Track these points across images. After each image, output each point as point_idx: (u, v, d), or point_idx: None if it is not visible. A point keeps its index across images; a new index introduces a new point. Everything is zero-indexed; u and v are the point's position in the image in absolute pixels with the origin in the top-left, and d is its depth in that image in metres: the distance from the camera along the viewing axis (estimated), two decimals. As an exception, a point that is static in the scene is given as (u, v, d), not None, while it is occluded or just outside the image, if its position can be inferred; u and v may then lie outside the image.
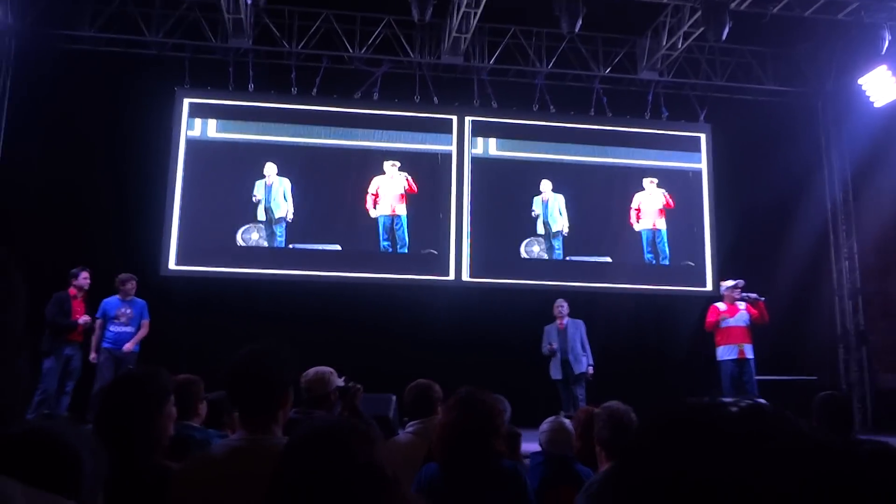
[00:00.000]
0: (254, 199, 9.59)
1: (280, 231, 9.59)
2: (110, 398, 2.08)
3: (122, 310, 7.74)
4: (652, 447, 0.64)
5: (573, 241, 10.12)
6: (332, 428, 1.30)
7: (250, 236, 9.54)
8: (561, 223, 10.15)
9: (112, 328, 7.68)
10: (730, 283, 8.27)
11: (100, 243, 8.53)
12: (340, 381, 3.61)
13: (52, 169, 8.80)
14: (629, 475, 0.64)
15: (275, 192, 9.66)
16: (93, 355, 7.56)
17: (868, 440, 1.73)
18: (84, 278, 7.61)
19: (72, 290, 7.55)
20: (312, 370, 3.54)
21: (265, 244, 9.51)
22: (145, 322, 7.82)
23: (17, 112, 9.09)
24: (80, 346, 7.55)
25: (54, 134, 8.90)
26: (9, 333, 1.04)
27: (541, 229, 10.11)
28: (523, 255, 9.99)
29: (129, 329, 7.67)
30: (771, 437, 0.60)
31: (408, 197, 9.83)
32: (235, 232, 9.47)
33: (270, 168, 9.68)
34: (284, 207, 9.65)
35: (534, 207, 10.14)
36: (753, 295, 8.15)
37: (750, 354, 8.06)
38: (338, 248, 9.57)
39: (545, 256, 10.04)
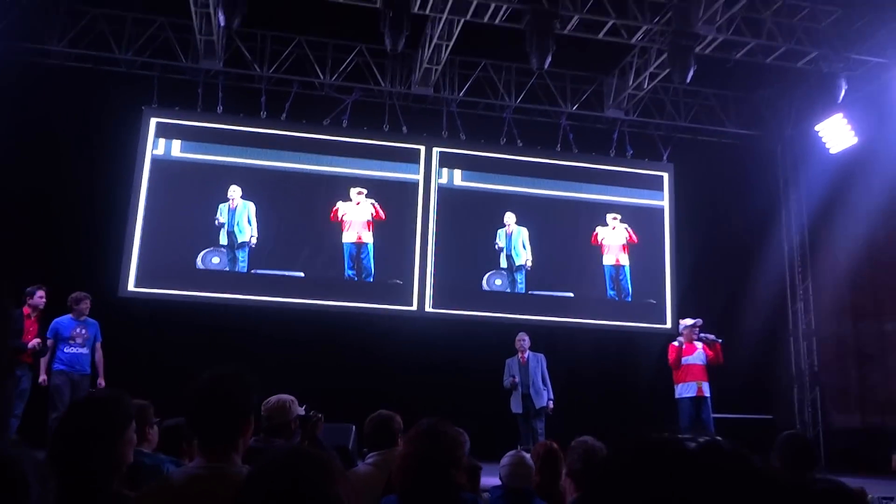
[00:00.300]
0: (217, 222, 9.47)
1: (242, 256, 9.48)
2: (71, 422, 2.02)
3: (77, 330, 7.38)
4: (621, 474, 0.66)
5: (536, 275, 10.18)
6: (296, 459, 1.28)
7: (211, 260, 9.40)
8: (524, 256, 10.21)
9: (66, 349, 7.27)
10: (688, 321, 8.33)
11: (58, 260, 8.34)
12: (301, 410, 3.58)
13: (13, 182, 8.62)
14: (600, 500, 0.66)
15: (238, 216, 9.56)
16: (42, 377, 7.14)
17: (822, 478, 1.76)
18: (40, 297, 7.21)
19: (25, 309, 7.14)
20: (274, 398, 3.50)
21: (226, 269, 9.39)
22: (99, 346, 7.44)
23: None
24: (30, 367, 7.16)
25: (18, 146, 8.73)
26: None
27: (504, 263, 10.16)
28: (485, 287, 10.02)
29: (83, 350, 7.30)
30: (728, 471, 0.61)
31: (375, 224, 9.82)
32: (196, 255, 9.34)
33: (235, 191, 9.59)
34: (248, 232, 9.55)
35: (497, 240, 10.20)
36: (711, 336, 8.21)
37: (707, 392, 8.13)
38: (300, 275, 9.50)
39: (507, 290, 10.09)
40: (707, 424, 8.00)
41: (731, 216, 10.14)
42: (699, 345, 8.20)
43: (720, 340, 8.23)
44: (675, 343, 8.33)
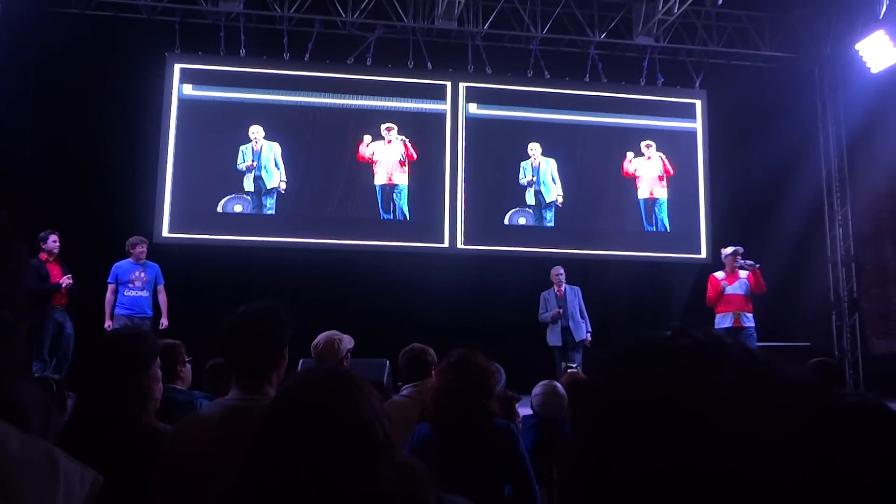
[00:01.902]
0: (242, 166, 9.34)
1: (270, 203, 9.32)
2: (95, 358, 2.06)
3: (137, 273, 7.54)
4: (614, 372, 0.63)
5: (566, 212, 9.99)
6: (322, 380, 1.26)
7: (233, 208, 9.25)
8: (555, 192, 10.00)
9: (127, 293, 7.49)
10: (729, 249, 8.12)
11: (96, 209, 8.47)
12: (351, 344, 3.56)
13: (41, 133, 8.69)
14: (594, 401, 0.63)
15: (265, 159, 9.38)
16: (108, 323, 7.35)
17: (854, 392, 1.70)
18: (53, 241, 7.30)
19: (42, 256, 7.26)
20: (322, 337, 3.47)
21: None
22: (162, 287, 7.62)
23: (4, 74, 8.95)
24: (68, 311, 7.35)
25: (43, 97, 8.78)
26: (10, 296, 1.02)
27: (531, 199, 9.94)
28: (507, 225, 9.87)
29: (144, 294, 7.49)
30: (731, 364, 0.59)
31: (407, 164, 9.73)
32: (217, 202, 9.25)
33: (257, 131, 9.40)
34: (276, 176, 9.37)
35: (526, 174, 10.01)
36: (749, 262, 8.07)
37: (748, 322, 7.91)
38: (332, 217, 9.46)
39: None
40: None
41: (767, 142, 9.87)
42: (743, 273, 7.96)
43: (758, 266, 8.08)
44: (717, 276, 8.11)
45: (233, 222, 9.27)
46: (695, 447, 0.53)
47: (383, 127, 9.73)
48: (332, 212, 9.45)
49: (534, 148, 10.03)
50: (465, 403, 2.61)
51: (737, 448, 0.53)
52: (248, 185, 9.34)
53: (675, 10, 9.53)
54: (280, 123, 9.56)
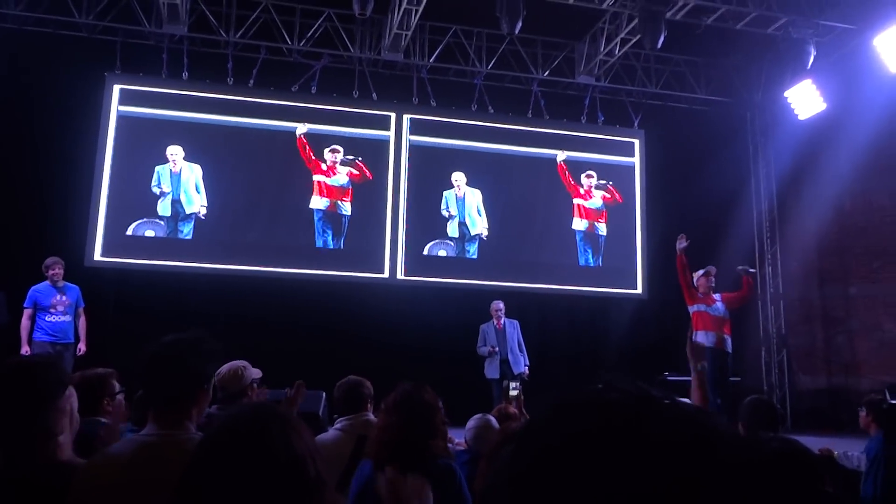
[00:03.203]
0: (157, 190, 9.04)
1: (187, 229, 9.05)
2: None
3: (58, 297, 7.15)
4: (537, 430, 0.63)
5: (491, 245, 9.98)
6: (254, 415, 1.24)
7: (143, 234, 8.93)
8: (480, 225, 10.01)
9: (48, 318, 7.05)
10: (700, 271, 7.88)
11: (21, 232, 8.18)
12: (257, 374, 3.47)
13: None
14: (516, 458, 0.63)
15: (184, 182, 9.12)
16: (25, 349, 6.89)
17: (778, 437, 1.74)
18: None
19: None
20: (225, 367, 3.35)
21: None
22: (82, 311, 7.24)
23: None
24: None
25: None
26: None
27: (454, 231, 9.94)
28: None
29: (66, 318, 7.07)
30: (659, 421, 0.59)
31: (353, 189, 9.67)
32: (128, 225, 8.92)
33: (176, 151, 9.13)
34: (197, 201, 9.12)
35: (447, 206, 9.96)
36: (742, 267, 7.85)
37: (729, 347, 7.61)
38: (263, 242, 9.30)
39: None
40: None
41: (701, 182, 10.15)
42: (717, 296, 7.79)
43: (752, 270, 7.88)
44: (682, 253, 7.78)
45: (151, 247, 8.95)
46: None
47: (326, 151, 9.66)
48: (270, 237, 9.32)
49: (458, 177, 10.04)
50: (413, 445, 2.56)
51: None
52: (164, 209, 9.05)
53: (616, 52, 9.81)
54: (214, 145, 9.38)
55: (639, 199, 10.68)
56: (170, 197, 9.08)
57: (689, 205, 10.23)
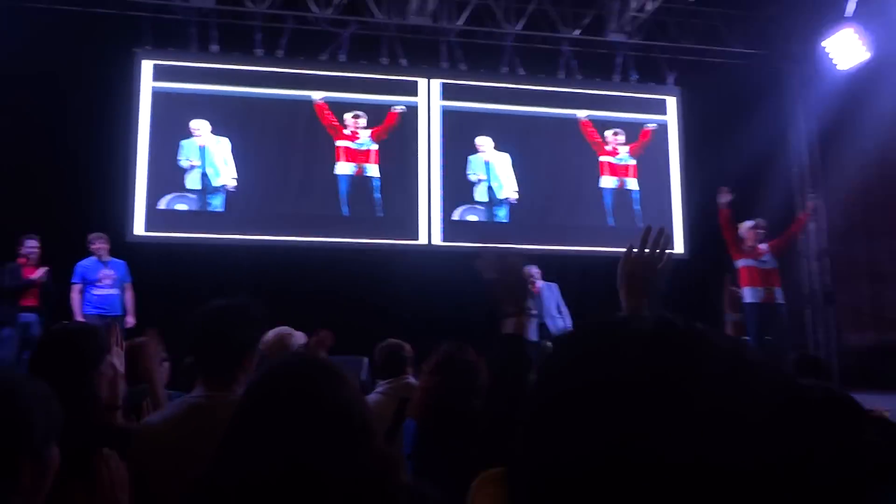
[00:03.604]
0: (185, 163, 9.10)
1: (217, 202, 9.11)
2: (40, 356, 1.99)
3: (104, 271, 7.39)
4: (562, 357, 0.61)
5: (523, 209, 9.89)
6: (299, 365, 1.22)
7: (173, 208, 9.03)
8: (509, 188, 9.88)
9: (95, 292, 7.33)
10: (748, 223, 7.76)
11: (64, 210, 8.30)
12: (303, 339, 3.49)
13: (8, 132, 8.49)
14: (542, 384, 0.61)
15: (212, 155, 9.16)
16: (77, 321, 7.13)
17: (821, 384, 1.66)
18: (31, 245, 7.21)
19: (21, 259, 7.18)
20: (271, 333, 3.40)
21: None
22: (129, 285, 7.43)
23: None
24: (39, 313, 7.22)
25: (10, 95, 8.58)
26: None
27: (482, 196, 9.85)
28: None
29: (114, 292, 7.32)
30: (685, 350, 0.56)
31: (380, 153, 9.62)
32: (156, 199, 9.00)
33: (199, 125, 9.17)
34: (225, 173, 9.16)
35: (474, 170, 9.86)
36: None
37: (780, 298, 7.56)
38: (299, 212, 9.31)
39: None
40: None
41: (739, 138, 9.93)
42: (764, 246, 7.68)
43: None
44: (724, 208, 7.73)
45: (185, 220, 9.03)
46: (662, 431, 0.51)
47: (349, 116, 9.58)
48: (302, 207, 9.29)
49: (484, 142, 9.91)
50: (452, 404, 2.56)
51: (706, 432, 0.51)
52: (193, 182, 9.11)
53: (648, 8, 9.57)
54: (244, 117, 9.38)
55: (675, 157, 10.47)
56: (198, 170, 9.13)
57: (728, 161, 9.99)
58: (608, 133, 10.30)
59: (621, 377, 0.54)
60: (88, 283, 7.34)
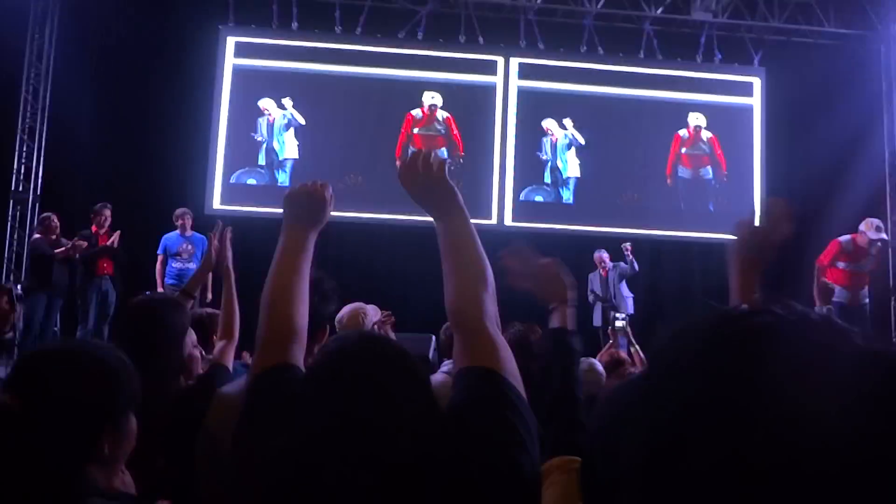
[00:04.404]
0: (259, 138, 9.36)
1: (283, 177, 9.30)
2: (122, 324, 2.08)
3: (184, 245, 7.69)
4: (688, 347, 0.57)
5: (590, 190, 9.77)
6: (369, 336, 1.24)
7: (245, 182, 9.29)
8: (573, 168, 9.77)
9: (174, 264, 7.64)
10: (874, 223, 7.25)
11: (146, 180, 8.61)
12: (378, 316, 3.50)
13: (99, 107, 8.84)
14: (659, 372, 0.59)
15: (279, 131, 9.41)
16: (160, 291, 7.37)
17: None
18: (105, 214, 7.48)
19: (94, 228, 7.46)
20: (345, 309, 3.41)
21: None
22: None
23: (64, 48, 9.15)
24: (114, 281, 7.49)
25: (100, 70, 8.91)
26: None
27: (548, 177, 9.75)
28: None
29: (191, 266, 7.55)
30: (820, 346, 0.54)
31: (447, 139, 9.65)
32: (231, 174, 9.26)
33: (270, 104, 9.40)
34: (291, 149, 9.38)
35: (543, 151, 9.77)
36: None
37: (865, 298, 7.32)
38: (364, 188, 9.33)
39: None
40: None
41: (828, 122, 9.50)
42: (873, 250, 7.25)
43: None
44: (842, 240, 7.29)
45: (256, 194, 9.19)
46: (782, 433, 0.50)
47: (427, 95, 9.60)
48: (371, 183, 9.31)
49: (550, 124, 9.79)
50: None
51: (824, 433, 0.49)
52: (262, 158, 9.38)
53: (736, -15, 9.24)
54: (319, 94, 9.55)
55: (758, 141, 10.12)
56: (265, 146, 9.39)
57: (815, 146, 9.61)
58: (691, 116, 10.00)
59: (740, 376, 0.53)
60: (170, 255, 7.66)
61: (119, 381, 1.41)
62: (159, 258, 7.68)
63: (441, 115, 9.67)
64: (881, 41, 10.43)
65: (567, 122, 9.82)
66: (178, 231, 7.71)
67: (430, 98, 9.63)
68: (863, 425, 0.49)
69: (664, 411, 0.56)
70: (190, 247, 7.66)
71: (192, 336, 2.20)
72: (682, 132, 10.03)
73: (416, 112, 9.66)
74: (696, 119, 10.03)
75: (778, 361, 0.52)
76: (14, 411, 1.24)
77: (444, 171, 1.47)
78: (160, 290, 7.48)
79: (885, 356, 0.53)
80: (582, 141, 9.81)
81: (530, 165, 9.77)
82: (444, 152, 9.57)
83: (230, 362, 2.38)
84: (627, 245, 8.48)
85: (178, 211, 7.77)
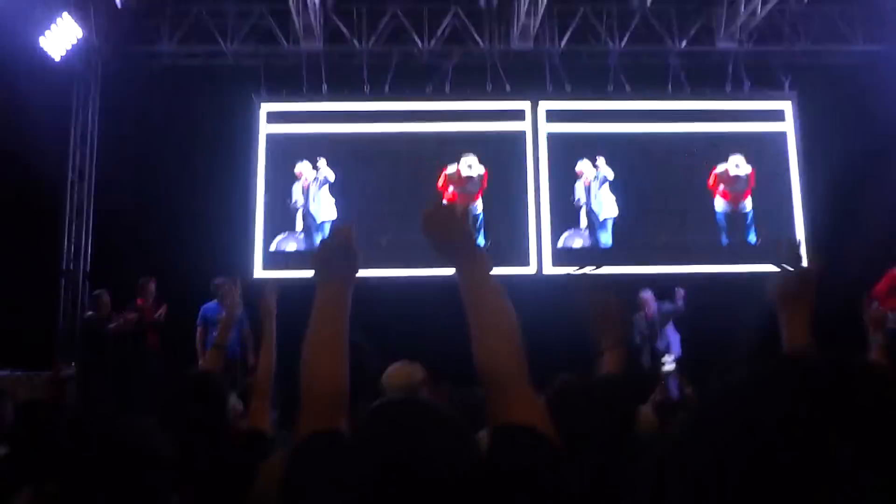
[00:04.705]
0: (292, 204, 9.48)
1: (321, 239, 9.30)
2: (175, 394, 2.16)
3: (222, 315, 7.68)
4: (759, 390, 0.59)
5: (628, 230, 9.66)
6: (411, 402, 1.24)
7: (285, 248, 9.38)
8: (608, 210, 9.67)
9: (214, 333, 7.65)
10: None
11: (189, 251, 8.78)
12: (422, 373, 3.47)
13: (142, 183, 9.10)
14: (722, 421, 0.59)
15: (315, 195, 9.50)
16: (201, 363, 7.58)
17: None
18: (150, 287, 7.69)
19: (140, 301, 7.63)
20: (393, 366, 3.42)
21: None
22: (248, 330, 7.64)
23: (107, 129, 9.50)
24: (158, 354, 7.60)
25: (142, 148, 9.20)
26: None
27: (584, 220, 9.70)
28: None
29: (231, 335, 7.57)
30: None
31: (483, 192, 9.72)
32: (271, 241, 9.38)
33: (305, 167, 9.53)
34: (327, 211, 9.47)
35: (576, 195, 9.72)
36: None
37: None
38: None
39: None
40: None
41: (862, 143, 9.31)
42: None
43: None
44: None
45: (296, 259, 9.24)
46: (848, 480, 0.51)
47: (464, 159, 9.71)
48: (404, 239, 9.10)
49: (584, 166, 9.75)
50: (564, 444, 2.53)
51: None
52: (299, 223, 9.49)
53: (759, 12, 9.22)
54: (352, 154, 9.69)
55: (795, 167, 9.97)
56: (301, 211, 9.52)
57: (851, 167, 9.40)
58: (731, 158, 9.90)
59: (810, 423, 0.54)
60: (210, 325, 7.64)
61: (154, 464, 1.45)
62: (199, 330, 7.72)
63: (478, 171, 9.73)
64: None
65: (599, 160, 9.79)
66: (216, 301, 7.73)
67: (468, 166, 9.68)
68: None
69: (709, 462, 0.56)
70: None
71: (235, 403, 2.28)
72: (720, 169, 9.92)
73: (451, 169, 9.73)
74: (735, 160, 9.90)
75: (830, 418, 0.53)
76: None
77: (466, 220, 1.47)
78: (202, 361, 7.51)
79: None
80: (611, 176, 9.75)
81: (566, 210, 9.76)
82: (479, 205, 9.63)
83: (267, 423, 2.43)
84: (681, 291, 8.35)
85: (219, 280, 7.81)
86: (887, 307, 7.06)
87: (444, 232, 1.44)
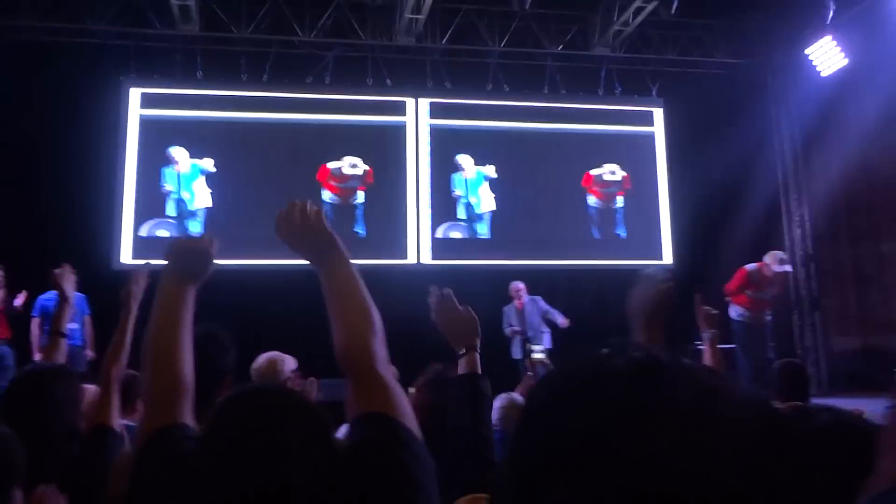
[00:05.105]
0: (165, 189, 9.21)
1: (195, 226, 9.08)
2: (14, 392, 2.05)
3: None
4: (537, 407, 0.63)
5: (505, 224, 9.94)
6: (263, 394, 1.23)
7: (154, 235, 9.08)
8: (486, 204, 9.94)
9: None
10: (778, 267, 7.60)
11: (47, 237, 8.27)
12: (294, 365, 3.47)
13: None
14: (517, 438, 0.63)
15: (188, 181, 9.24)
16: (37, 356, 6.78)
17: (825, 408, 1.65)
18: None
19: None
20: (262, 357, 3.39)
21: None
22: (88, 318, 7.22)
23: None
24: (10, 343, 7.00)
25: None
26: None
27: (462, 213, 9.91)
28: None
29: (73, 325, 7.11)
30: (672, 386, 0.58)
31: (366, 185, 9.70)
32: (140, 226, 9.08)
33: (180, 153, 9.27)
34: (201, 199, 9.24)
35: (455, 187, 9.94)
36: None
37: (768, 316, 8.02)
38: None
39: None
40: None
41: (724, 146, 9.98)
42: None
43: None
44: (749, 269, 7.70)
45: (161, 246, 8.95)
46: (647, 464, 0.53)
47: (348, 162, 9.65)
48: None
49: (465, 160, 9.98)
50: (441, 421, 2.59)
51: (688, 463, 0.53)
52: (170, 209, 9.21)
53: (631, 21, 9.66)
54: (228, 142, 9.44)
55: (661, 167, 10.55)
56: (174, 196, 9.22)
57: (713, 171, 10.07)
58: (606, 166, 10.36)
59: (603, 414, 0.56)
60: (48, 316, 7.01)
61: (3, 458, 1.38)
62: (35, 321, 7.09)
63: (362, 169, 9.70)
64: (767, 69, 11.06)
65: (479, 157, 9.99)
66: (55, 291, 7.18)
67: (351, 165, 9.65)
68: (733, 470, 0.53)
69: (536, 443, 0.60)
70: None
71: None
72: (595, 172, 10.35)
73: (334, 165, 9.65)
74: (611, 167, 10.38)
75: (652, 402, 0.56)
76: None
77: (321, 220, 1.47)
78: (37, 355, 6.85)
79: (756, 403, 0.59)
80: (493, 175, 9.98)
81: (445, 202, 9.89)
82: (360, 195, 9.61)
83: (115, 417, 2.32)
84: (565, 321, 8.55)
85: (58, 270, 7.29)
86: (737, 303, 7.66)
87: (300, 232, 1.45)
